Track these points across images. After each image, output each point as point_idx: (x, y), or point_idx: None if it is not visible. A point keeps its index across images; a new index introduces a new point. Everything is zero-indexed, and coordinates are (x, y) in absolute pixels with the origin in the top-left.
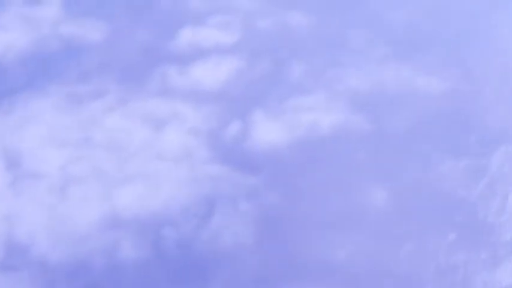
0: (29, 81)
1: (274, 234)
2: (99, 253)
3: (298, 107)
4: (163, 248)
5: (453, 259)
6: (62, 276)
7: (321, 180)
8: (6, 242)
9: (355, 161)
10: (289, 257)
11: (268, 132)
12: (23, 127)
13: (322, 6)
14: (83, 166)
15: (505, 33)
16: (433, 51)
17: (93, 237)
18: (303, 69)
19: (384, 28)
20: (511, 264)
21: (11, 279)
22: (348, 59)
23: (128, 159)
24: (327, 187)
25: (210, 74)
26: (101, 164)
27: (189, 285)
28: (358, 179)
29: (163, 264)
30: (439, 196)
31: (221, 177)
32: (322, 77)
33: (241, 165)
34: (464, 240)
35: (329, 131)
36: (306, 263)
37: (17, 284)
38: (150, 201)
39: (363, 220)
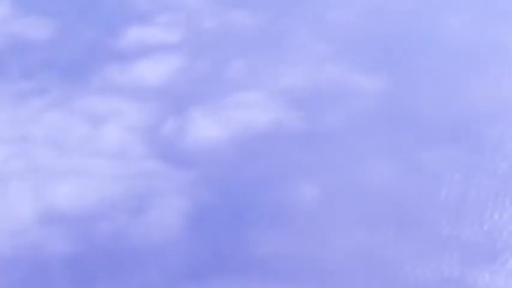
0: None
1: (205, 230)
2: (31, 248)
3: (235, 105)
4: (95, 242)
5: (384, 255)
6: None
7: (254, 177)
8: None
9: (289, 159)
10: (217, 252)
11: (205, 128)
12: None
13: (266, 5)
14: (20, 162)
15: (439, 34)
16: (370, 50)
17: (26, 232)
18: (243, 67)
19: (325, 28)
20: (443, 259)
21: None
22: (287, 58)
23: (65, 156)
24: (260, 184)
25: (152, 71)
26: (38, 160)
27: (119, 279)
28: (291, 176)
29: (95, 258)
30: (371, 194)
31: (155, 173)
32: (261, 75)
33: (176, 162)
34: (397, 237)
35: (265, 128)
36: (234, 259)
37: None
38: (85, 196)
39: (293, 217)
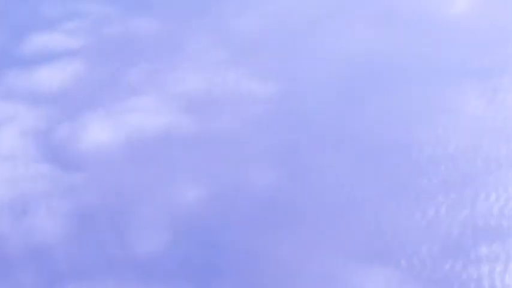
0: None
1: (89, 231)
2: None
3: (130, 109)
4: None
5: (274, 256)
6: None
7: (141, 180)
8: None
9: (178, 161)
10: (101, 253)
11: (98, 133)
12: None
13: (169, 13)
14: None
15: (333, 44)
16: (266, 57)
17: None
18: (141, 72)
19: (224, 35)
20: (322, 253)
21: None
22: (185, 64)
23: None
24: (146, 186)
25: (52, 77)
26: None
27: (2, 280)
28: (178, 178)
29: None
30: (255, 196)
31: (44, 176)
32: (158, 80)
33: (66, 165)
34: (282, 239)
35: (157, 132)
36: (117, 259)
37: None
38: None
39: (178, 217)
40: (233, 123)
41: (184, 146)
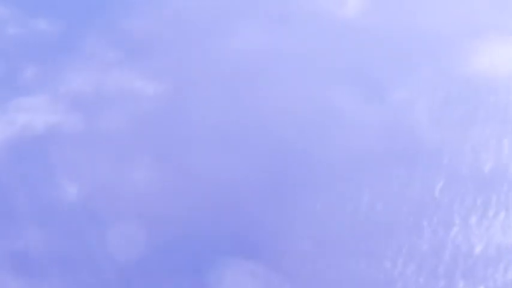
0: None
1: None
2: None
3: (18, 108)
4: None
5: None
6: None
7: (23, 177)
8: None
9: (60, 159)
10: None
11: None
12: None
13: (66, 14)
14: None
15: (227, 43)
16: (157, 56)
17: None
18: (33, 72)
19: (118, 35)
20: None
21: None
22: (77, 64)
23: None
24: (28, 185)
25: None
26: None
27: None
28: (58, 175)
29: None
30: (133, 193)
31: None
32: (50, 80)
33: None
34: (156, 234)
35: (43, 130)
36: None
37: None
38: None
39: (55, 215)
40: (120, 121)
41: (70, 144)
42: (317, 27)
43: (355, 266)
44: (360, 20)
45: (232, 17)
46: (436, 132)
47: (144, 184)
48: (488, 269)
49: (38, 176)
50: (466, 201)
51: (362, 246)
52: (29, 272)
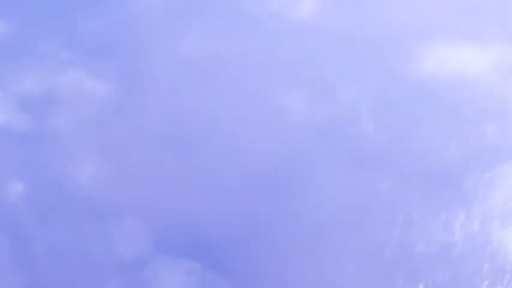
0: None
1: None
2: None
3: None
4: None
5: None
6: None
7: None
8: None
9: (5, 158)
10: None
11: None
12: None
13: (19, 15)
14: None
15: (178, 43)
16: (109, 58)
17: None
18: None
19: (71, 36)
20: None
21: None
22: (31, 64)
23: None
24: None
25: None
26: None
27: None
28: (3, 175)
29: None
30: (76, 193)
31: None
32: (0, 80)
33: None
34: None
35: None
36: None
37: None
38: None
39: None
40: (67, 122)
41: (15, 144)
42: (269, 29)
43: (298, 266)
44: (312, 22)
45: (185, 19)
46: (381, 133)
47: (90, 185)
48: (429, 267)
49: None
50: (409, 201)
51: (306, 246)
52: None
